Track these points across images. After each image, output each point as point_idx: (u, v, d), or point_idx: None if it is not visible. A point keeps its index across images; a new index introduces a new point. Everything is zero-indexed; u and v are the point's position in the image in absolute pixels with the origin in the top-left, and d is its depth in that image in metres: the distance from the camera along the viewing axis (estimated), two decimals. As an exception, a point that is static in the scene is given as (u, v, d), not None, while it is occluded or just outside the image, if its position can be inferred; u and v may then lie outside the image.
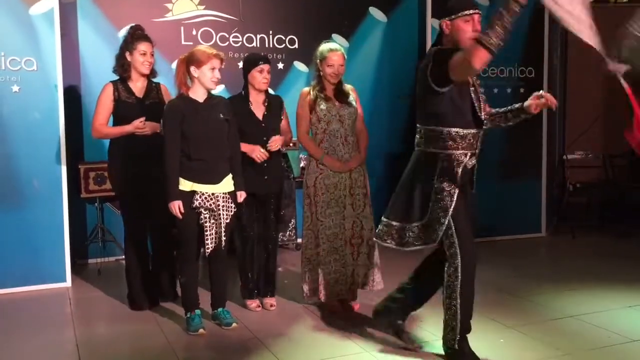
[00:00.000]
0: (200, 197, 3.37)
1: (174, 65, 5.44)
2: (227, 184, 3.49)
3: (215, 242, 3.43)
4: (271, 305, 3.96)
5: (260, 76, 3.80)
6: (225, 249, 3.53)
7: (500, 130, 5.96)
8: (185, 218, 3.38)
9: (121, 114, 3.86)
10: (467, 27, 3.07)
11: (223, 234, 3.44)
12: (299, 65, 5.99)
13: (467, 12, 3.08)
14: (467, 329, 3.09)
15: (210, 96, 3.53)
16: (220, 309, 3.66)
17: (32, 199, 4.40)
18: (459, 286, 3.03)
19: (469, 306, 3.08)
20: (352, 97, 3.87)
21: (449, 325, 3.06)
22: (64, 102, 4.50)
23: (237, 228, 3.94)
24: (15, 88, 4.34)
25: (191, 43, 5.54)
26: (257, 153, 3.73)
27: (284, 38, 5.92)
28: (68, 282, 4.56)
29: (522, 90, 6.15)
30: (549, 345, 3.28)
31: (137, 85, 3.94)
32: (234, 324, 3.58)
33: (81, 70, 5.24)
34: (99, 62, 5.19)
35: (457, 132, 3.11)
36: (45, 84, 4.43)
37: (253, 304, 3.95)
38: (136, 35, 3.89)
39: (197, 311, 3.56)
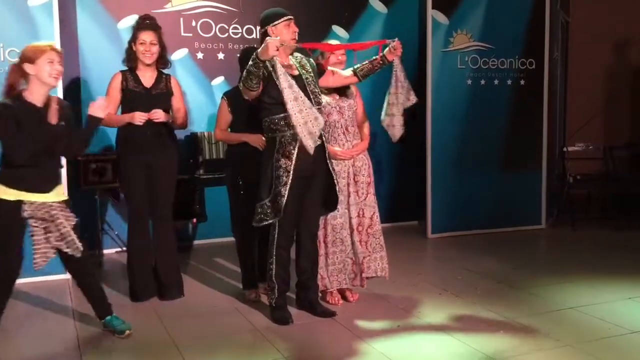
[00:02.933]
0: (29, 206, 3.04)
1: (174, 56, 5.47)
2: (58, 193, 3.17)
3: (47, 258, 3.12)
4: (263, 293, 3.98)
5: None
6: (83, 260, 3.24)
7: (500, 122, 6.03)
8: (8, 230, 3.07)
9: (129, 103, 3.88)
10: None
11: (76, 241, 3.14)
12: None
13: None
14: (282, 290, 3.56)
15: (48, 97, 3.17)
16: (108, 317, 3.40)
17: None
18: (274, 251, 3.50)
19: (281, 271, 3.53)
20: (352, 90, 3.92)
21: (270, 286, 3.58)
22: (62, 93, 4.48)
23: (235, 219, 3.94)
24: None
25: (191, 34, 5.54)
26: (259, 142, 3.74)
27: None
28: (68, 274, 4.55)
29: (522, 82, 6.14)
30: (548, 337, 3.29)
31: (146, 76, 3.93)
32: (127, 331, 3.34)
33: (80, 62, 5.22)
34: (98, 54, 5.20)
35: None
36: (44, 75, 4.41)
37: (252, 294, 3.98)
38: (138, 25, 3.88)
39: None
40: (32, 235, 3.07)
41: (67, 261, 3.25)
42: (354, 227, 3.85)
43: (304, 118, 3.22)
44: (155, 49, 3.87)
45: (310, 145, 3.27)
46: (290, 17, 3.49)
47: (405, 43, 6.22)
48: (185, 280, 4.29)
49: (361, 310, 3.76)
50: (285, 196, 3.39)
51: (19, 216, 3.02)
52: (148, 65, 3.90)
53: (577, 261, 4.95)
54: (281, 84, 3.22)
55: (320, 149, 3.50)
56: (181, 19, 5.52)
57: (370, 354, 3.11)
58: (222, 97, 3.98)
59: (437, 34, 5.79)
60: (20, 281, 4.32)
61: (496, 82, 6.05)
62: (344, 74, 3.77)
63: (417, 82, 6.27)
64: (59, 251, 3.17)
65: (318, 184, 3.56)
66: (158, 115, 3.81)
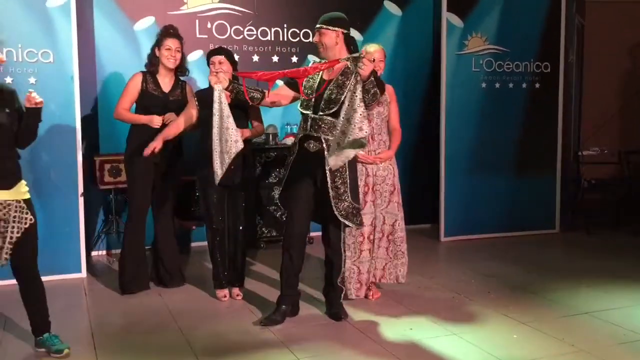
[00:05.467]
0: None
1: (189, 58, 5.47)
2: (19, 190, 2.95)
3: (4, 258, 2.90)
4: (237, 295, 4.06)
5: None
6: (31, 266, 3.03)
7: (515, 126, 6.00)
8: None
9: (145, 104, 4.09)
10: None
11: (8, 253, 2.89)
12: (314, 59, 5.96)
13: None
14: (283, 287, 3.60)
15: None
16: (45, 335, 3.13)
17: (48, 190, 4.42)
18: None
19: (283, 270, 3.59)
20: (386, 96, 3.85)
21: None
22: (79, 94, 4.52)
23: (205, 220, 4.04)
24: (32, 80, 4.36)
25: (206, 36, 5.57)
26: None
27: (298, 31, 5.90)
28: (83, 273, 4.59)
29: (537, 85, 6.10)
30: (563, 342, 3.27)
31: (165, 80, 4.14)
32: (66, 350, 3.09)
33: (97, 62, 5.26)
34: (114, 54, 5.24)
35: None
36: (61, 75, 4.45)
37: (221, 293, 4.04)
38: (164, 32, 4.12)
39: None
40: None
41: (14, 263, 3.00)
42: (365, 236, 3.86)
43: (222, 147, 3.31)
44: (179, 55, 4.12)
45: (218, 173, 3.35)
46: (316, 26, 3.56)
47: (420, 46, 6.34)
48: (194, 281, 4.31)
49: (374, 313, 3.76)
50: (280, 191, 3.64)
51: None
52: (169, 70, 4.11)
53: (592, 266, 4.91)
54: (214, 111, 3.31)
55: (322, 155, 3.42)
56: (197, 21, 5.55)
57: (383, 357, 3.11)
58: (193, 95, 4.07)
59: (451, 36, 5.78)
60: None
61: (511, 85, 6.02)
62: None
63: (432, 85, 6.30)
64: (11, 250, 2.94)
65: (325, 191, 3.48)
66: (172, 118, 4.00)
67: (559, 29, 6.13)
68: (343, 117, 3.15)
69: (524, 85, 6.07)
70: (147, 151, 3.75)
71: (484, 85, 5.93)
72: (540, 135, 6.12)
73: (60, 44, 4.44)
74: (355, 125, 3.06)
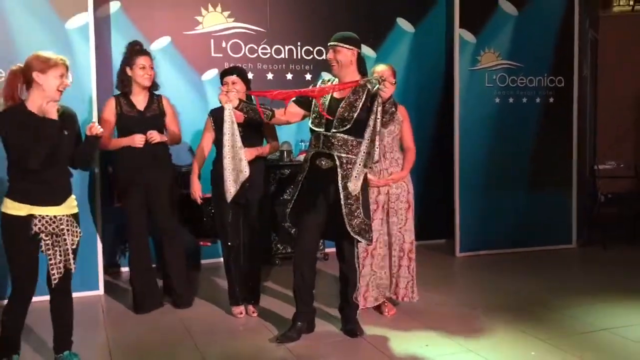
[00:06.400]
0: (39, 221, 2.93)
1: (204, 77, 5.58)
2: (70, 205, 3.06)
3: (61, 272, 2.99)
4: (253, 312, 4.07)
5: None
6: (70, 280, 3.10)
7: (529, 140, 5.99)
8: (21, 247, 2.94)
9: (124, 127, 4.07)
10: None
11: (72, 261, 3.01)
12: (327, 76, 5.98)
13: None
14: (298, 305, 3.61)
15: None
16: (66, 353, 3.16)
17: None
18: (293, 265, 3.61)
19: (298, 281, 3.58)
20: (398, 115, 3.85)
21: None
22: (97, 114, 4.60)
23: (221, 237, 4.07)
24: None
25: (221, 55, 5.64)
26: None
27: (311, 49, 5.96)
28: (101, 290, 4.64)
29: (551, 99, 6.10)
30: (581, 359, 3.23)
31: (139, 99, 4.11)
32: None
33: (114, 82, 5.32)
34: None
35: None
36: (80, 96, 4.51)
37: (237, 310, 4.06)
38: (134, 50, 4.06)
39: (15, 357, 3.09)
40: (45, 251, 2.95)
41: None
42: (368, 251, 3.90)
43: (234, 165, 3.38)
44: (153, 72, 4.08)
45: (231, 191, 3.41)
46: (329, 44, 3.58)
47: (432, 62, 6.37)
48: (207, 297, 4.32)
49: (389, 329, 3.75)
50: (289, 209, 3.62)
51: (30, 232, 2.91)
52: (143, 88, 4.08)
53: (609, 281, 4.86)
54: (224, 130, 3.38)
55: (333, 172, 3.45)
56: (211, 40, 5.63)
57: (399, 374, 3.10)
58: (209, 115, 4.06)
59: (464, 52, 5.80)
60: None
61: (525, 100, 6.02)
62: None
63: (445, 101, 6.32)
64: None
65: (337, 209, 3.47)
66: (154, 136, 4.01)
67: (573, 43, 6.13)
68: (368, 139, 3.20)
69: (538, 100, 6.07)
70: (198, 200, 3.99)
71: (497, 100, 5.94)
72: (555, 150, 6.10)
73: (79, 65, 4.52)
74: (378, 147, 3.19)
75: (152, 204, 4.10)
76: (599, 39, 7.16)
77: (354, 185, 3.28)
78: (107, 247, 5.20)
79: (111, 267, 5.32)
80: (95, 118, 4.57)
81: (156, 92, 4.20)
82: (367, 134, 3.21)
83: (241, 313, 4.05)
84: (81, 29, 4.52)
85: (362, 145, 3.23)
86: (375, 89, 3.27)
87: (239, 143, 3.38)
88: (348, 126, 3.43)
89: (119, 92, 4.12)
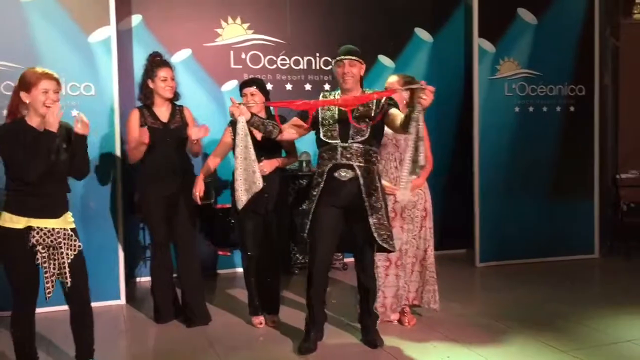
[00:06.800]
0: (37, 233, 2.92)
1: (224, 88, 5.64)
2: (67, 220, 3.05)
3: (54, 285, 2.97)
4: (273, 321, 4.07)
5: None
6: (88, 292, 3.11)
7: (550, 149, 5.94)
8: (19, 259, 2.93)
9: (149, 139, 3.99)
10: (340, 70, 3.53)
11: (67, 275, 2.97)
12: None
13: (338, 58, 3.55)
14: (311, 315, 3.62)
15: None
16: None
17: (89, 218, 4.54)
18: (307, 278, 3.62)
19: (312, 295, 3.60)
20: None
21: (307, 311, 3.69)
22: (119, 125, 4.67)
23: (240, 246, 4.08)
24: (74, 112, 4.48)
25: (240, 66, 5.70)
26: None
27: (330, 60, 5.99)
28: (122, 300, 4.69)
29: (572, 108, 6.06)
30: (605, 371, 3.20)
31: (162, 110, 4.09)
32: None
33: (135, 95, 5.40)
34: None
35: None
36: (102, 108, 4.60)
37: (256, 320, 4.08)
38: (155, 62, 4.05)
39: None
40: (41, 263, 2.93)
41: (66, 289, 3.05)
42: (391, 261, 3.89)
43: (246, 176, 3.43)
44: (174, 84, 4.08)
45: (242, 200, 3.45)
46: (342, 57, 3.52)
47: (451, 72, 6.37)
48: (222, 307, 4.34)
49: (410, 340, 3.74)
50: (308, 224, 3.55)
51: (27, 244, 2.90)
52: (165, 99, 4.07)
53: (633, 292, 4.79)
54: (237, 142, 3.43)
55: (355, 183, 3.48)
56: (231, 52, 5.69)
57: (419, 385, 3.09)
58: (228, 125, 4.08)
59: (483, 61, 5.79)
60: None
61: (545, 109, 5.99)
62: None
63: (464, 110, 6.30)
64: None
65: (358, 219, 3.51)
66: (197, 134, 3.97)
67: (593, 51, 6.10)
68: (412, 147, 3.16)
69: (559, 109, 6.03)
70: (197, 199, 3.92)
71: (517, 109, 5.91)
72: (577, 159, 6.06)
73: (102, 78, 4.60)
74: (422, 153, 3.16)
75: (172, 215, 4.08)
76: (620, 46, 7.08)
77: (403, 195, 3.31)
78: (127, 257, 5.25)
79: (133, 277, 5.37)
80: (117, 130, 4.64)
81: (177, 103, 4.21)
82: (411, 142, 3.16)
83: (261, 323, 4.06)
84: (104, 42, 4.60)
85: (407, 154, 3.20)
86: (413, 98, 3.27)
87: (253, 156, 3.41)
88: (366, 136, 3.46)
89: (141, 104, 4.13)
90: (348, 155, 3.47)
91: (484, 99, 5.80)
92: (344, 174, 3.48)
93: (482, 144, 5.78)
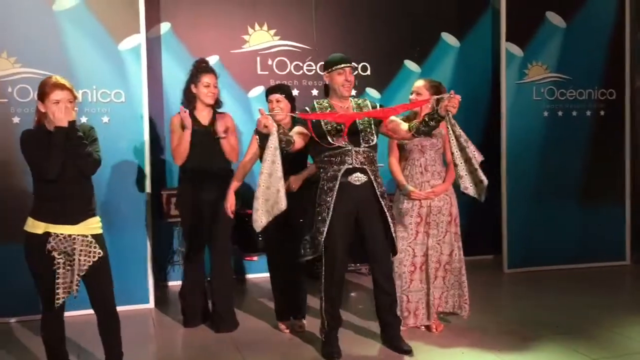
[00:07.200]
0: (53, 239, 2.92)
1: (250, 94, 5.69)
2: (89, 226, 3.01)
3: (66, 293, 2.94)
4: (299, 327, 4.06)
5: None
6: (113, 301, 3.11)
7: (579, 154, 5.86)
8: (39, 265, 2.95)
9: (190, 142, 4.01)
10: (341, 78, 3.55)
11: (76, 284, 2.94)
12: (371, 92, 6.05)
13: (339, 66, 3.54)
14: (332, 325, 3.58)
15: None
16: None
17: (118, 223, 4.60)
18: (322, 287, 3.59)
19: (329, 307, 3.57)
20: (441, 130, 3.86)
21: (321, 321, 3.64)
22: (148, 131, 4.74)
23: (267, 252, 4.11)
24: (105, 119, 4.61)
25: (267, 72, 5.75)
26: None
27: (356, 65, 6.00)
28: (151, 304, 4.74)
29: (602, 112, 5.97)
30: (638, 380, 3.14)
31: (203, 115, 4.11)
32: None
33: (164, 101, 5.50)
34: (181, 93, 5.43)
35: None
36: (132, 114, 4.68)
37: (283, 325, 4.09)
38: (200, 68, 4.08)
39: None
40: (57, 269, 2.92)
41: (92, 295, 3.07)
42: (416, 266, 3.88)
43: (268, 196, 3.23)
44: (217, 90, 4.10)
45: (262, 221, 3.26)
46: (343, 65, 3.54)
47: (479, 76, 6.32)
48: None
49: (437, 346, 3.72)
50: (324, 233, 3.46)
51: (46, 249, 2.91)
52: (206, 105, 4.09)
53: (667, 300, 4.70)
54: (265, 156, 3.22)
55: (369, 187, 3.50)
56: (258, 58, 5.74)
57: (447, 392, 3.07)
58: (254, 132, 4.05)
59: (511, 66, 5.74)
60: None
61: (574, 113, 5.91)
62: (402, 127, 3.60)
63: (491, 115, 6.25)
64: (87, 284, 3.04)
65: (375, 223, 3.53)
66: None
67: (624, 54, 6.00)
68: (459, 156, 3.35)
69: (588, 113, 5.95)
70: (229, 213, 3.90)
71: (546, 114, 5.84)
72: (607, 163, 5.97)
73: (131, 85, 4.68)
74: (473, 154, 3.32)
75: (208, 219, 4.08)
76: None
77: (475, 190, 3.43)
78: (158, 262, 5.31)
79: (162, 281, 5.44)
80: (147, 136, 4.71)
81: (219, 110, 4.21)
82: (456, 150, 3.34)
83: (287, 328, 4.07)
84: (134, 50, 4.68)
85: (460, 170, 3.36)
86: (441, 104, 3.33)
87: (279, 173, 3.22)
88: (374, 141, 3.55)
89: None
90: (361, 160, 3.49)
91: (512, 103, 5.75)
92: (358, 178, 3.49)
93: (509, 148, 5.73)
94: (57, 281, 2.90)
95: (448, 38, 6.26)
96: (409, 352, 3.58)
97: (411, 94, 3.94)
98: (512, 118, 5.74)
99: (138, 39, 4.69)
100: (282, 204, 3.21)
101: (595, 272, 5.70)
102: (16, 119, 4.44)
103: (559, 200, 5.85)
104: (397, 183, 3.99)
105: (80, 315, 4.13)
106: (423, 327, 3.99)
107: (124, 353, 3.23)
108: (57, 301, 2.92)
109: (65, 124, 2.89)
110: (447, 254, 3.93)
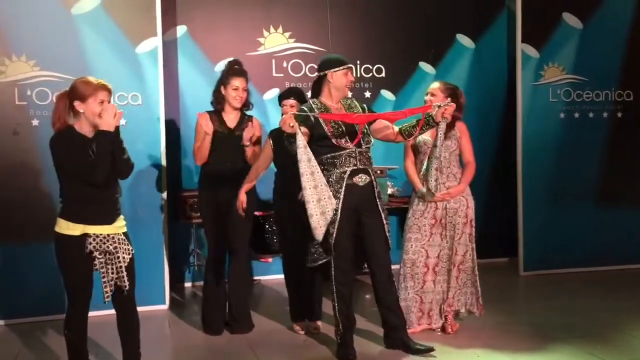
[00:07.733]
0: (94, 239, 2.96)
1: (265, 96, 5.72)
2: (119, 225, 3.08)
3: (113, 289, 3.00)
4: (315, 328, 4.07)
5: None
6: (134, 297, 3.13)
7: (597, 156, 5.81)
8: (75, 265, 2.97)
9: (213, 143, 4.02)
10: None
11: (125, 278, 3.00)
12: (386, 94, 6.06)
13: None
14: (346, 326, 3.56)
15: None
16: None
17: (135, 224, 4.59)
18: (333, 289, 3.57)
19: (343, 307, 3.56)
20: (455, 131, 3.89)
21: (335, 323, 3.61)
22: (165, 133, 4.78)
23: (282, 254, 4.10)
24: (122, 121, 4.61)
25: (282, 75, 5.78)
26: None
27: (371, 67, 6.02)
28: (167, 305, 4.78)
29: (619, 114, 5.92)
30: (656, 384, 3.11)
31: (230, 117, 4.09)
32: None
33: (180, 103, 5.55)
34: (197, 95, 5.49)
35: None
36: (148, 117, 4.72)
37: (298, 326, 4.10)
38: (232, 70, 4.05)
39: None
40: (99, 269, 2.97)
41: (115, 294, 3.07)
42: (429, 267, 3.89)
43: (318, 194, 3.27)
44: (245, 94, 4.06)
45: (321, 226, 3.29)
46: (350, 66, 3.63)
47: (494, 78, 6.30)
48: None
49: (451, 346, 3.70)
50: (334, 235, 3.46)
51: (85, 250, 2.94)
52: (234, 108, 4.07)
53: (686, 303, 4.64)
54: (300, 156, 3.24)
55: (370, 186, 3.54)
56: (273, 61, 5.77)
57: (463, 394, 3.06)
58: (268, 136, 4.08)
59: (527, 67, 5.71)
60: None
61: (591, 114, 5.87)
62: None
63: (507, 116, 6.22)
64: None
65: (373, 222, 3.55)
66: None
67: (642, 55, 5.95)
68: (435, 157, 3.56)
69: (605, 115, 5.90)
70: (240, 210, 3.89)
71: (562, 115, 5.81)
72: (626, 165, 5.91)
73: (148, 87, 4.73)
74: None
75: (227, 221, 4.05)
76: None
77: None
78: (175, 263, 5.35)
79: (178, 282, 5.47)
80: (163, 138, 4.75)
81: (248, 113, 4.18)
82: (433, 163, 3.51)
83: (302, 329, 4.09)
84: (151, 53, 4.72)
85: (433, 161, 3.54)
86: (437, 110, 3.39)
87: (318, 168, 3.28)
88: (372, 142, 3.62)
89: (212, 109, 4.12)
90: (365, 160, 3.53)
91: (528, 105, 5.72)
92: (362, 179, 3.52)
93: (526, 150, 5.70)
94: (103, 280, 2.96)
95: (463, 39, 6.25)
96: (416, 349, 3.55)
97: (426, 95, 3.95)
98: (528, 120, 5.71)
99: (155, 42, 4.73)
100: (333, 200, 3.34)
101: (612, 275, 5.64)
102: (35, 122, 4.50)
103: (576, 202, 5.80)
104: (413, 185, 4.00)
105: (99, 315, 4.16)
106: (438, 328, 3.98)
107: (141, 354, 3.27)
108: (107, 299, 2.98)
109: (112, 129, 2.91)
110: (461, 254, 3.93)
